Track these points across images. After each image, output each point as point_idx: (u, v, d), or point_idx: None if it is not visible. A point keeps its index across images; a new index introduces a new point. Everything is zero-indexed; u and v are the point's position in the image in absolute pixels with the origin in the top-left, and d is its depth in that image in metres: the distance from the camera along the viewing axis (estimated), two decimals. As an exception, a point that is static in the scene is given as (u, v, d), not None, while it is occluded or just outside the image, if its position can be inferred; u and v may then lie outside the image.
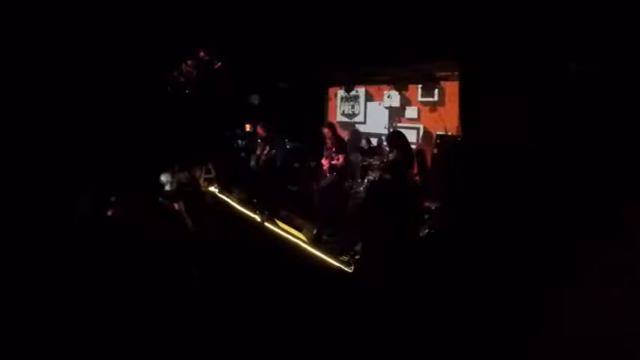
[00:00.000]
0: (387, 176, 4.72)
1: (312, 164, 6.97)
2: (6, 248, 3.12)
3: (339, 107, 8.59)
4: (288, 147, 7.59)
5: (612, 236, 2.48)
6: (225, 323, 2.84)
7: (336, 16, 4.29)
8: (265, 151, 6.80)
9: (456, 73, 5.34)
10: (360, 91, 7.99)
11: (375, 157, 6.01)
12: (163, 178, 4.72)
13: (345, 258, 4.04)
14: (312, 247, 4.34)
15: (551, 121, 3.04)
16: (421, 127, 6.90)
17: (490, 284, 2.78)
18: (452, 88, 6.06)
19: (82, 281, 3.01)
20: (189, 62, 5.99)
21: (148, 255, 3.30)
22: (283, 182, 6.93)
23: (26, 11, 3.60)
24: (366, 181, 5.72)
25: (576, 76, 2.91)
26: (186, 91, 6.26)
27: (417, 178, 5.21)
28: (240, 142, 7.93)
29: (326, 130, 6.20)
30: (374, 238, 3.69)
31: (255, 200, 5.59)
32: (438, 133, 6.14)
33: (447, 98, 6.40)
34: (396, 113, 7.29)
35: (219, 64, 6.25)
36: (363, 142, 7.00)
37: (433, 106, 6.66)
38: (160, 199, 4.48)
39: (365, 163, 5.97)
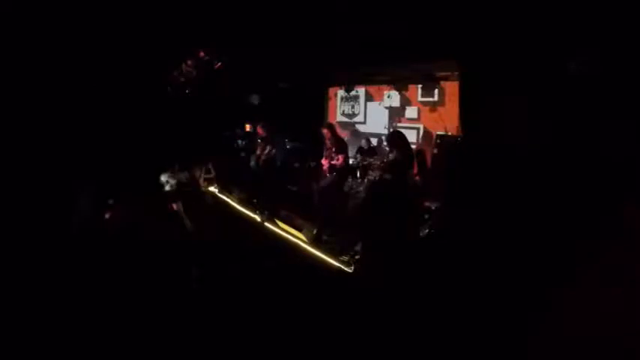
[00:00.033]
0: (387, 176, 4.71)
1: (312, 164, 6.98)
2: (6, 248, 3.12)
3: (339, 107, 8.59)
4: (288, 147, 7.60)
5: (612, 236, 2.48)
6: (225, 323, 2.84)
7: (336, 16, 4.29)
8: (265, 151, 6.80)
9: (456, 73, 5.35)
10: (360, 91, 8.00)
11: (375, 157, 6.02)
12: (163, 178, 4.72)
13: (345, 258, 4.04)
14: (312, 247, 4.34)
15: (551, 121, 3.04)
16: (421, 127, 6.91)
17: (490, 284, 2.78)
18: (452, 88, 6.07)
19: (82, 281, 3.00)
20: (189, 62, 5.99)
21: (148, 255, 3.30)
22: (283, 182, 6.93)
23: (26, 11, 3.60)
24: (366, 181, 5.72)
25: (576, 76, 2.91)
26: (186, 91, 6.26)
27: (417, 178, 5.21)
28: (240, 142, 7.93)
29: (325, 131, 6.20)
30: (374, 238, 3.69)
31: (255, 200, 5.59)
32: (438, 133, 6.15)
33: (447, 98, 6.42)
34: (396, 113, 7.30)
35: (219, 64, 6.25)
36: (363, 142, 7.01)
37: (433, 106, 6.67)
38: (160, 199, 4.48)
39: (365, 163, 5.97)
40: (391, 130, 6.94)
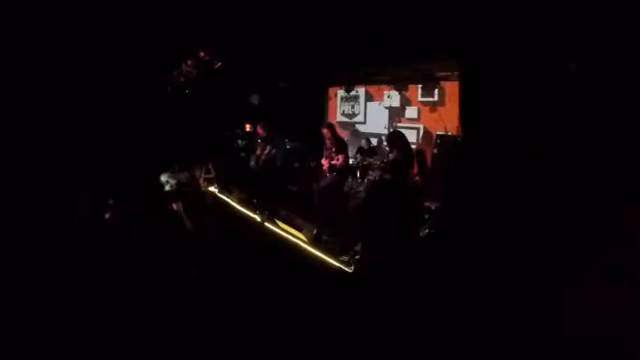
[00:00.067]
0: (387, 176, 4.71)
1: (312, 164, 6.97)
2: (6, 248, 3.12)
3: (339, 107, 8.59)
4: (288, 147, 7.60)
5: (612, 236, 2.48)
6: (225, 323, 2.84)
7: (336, 16, 4.29)
8: (265, 151, 6.80)
9: (456, 73, 5.35)
10: (360, 91, 8.00)
11: (375, 157, 6.02)
12: (163, 178, 4.71)
13: (345, 258, 4.04)
14: (312, 247, 4.34)
15: (551, 121, 3.04)
16: (421, 127, 6.91)
17: (490, 284, 2.78)
18: (452, 88, 6.07)
19: (82, 281, 3.00)
20: (189, 62, 5.99)
21: (148, 255, 3.30)
22: (283, 182, 6.93)
23: (26, 11, 3.60)
24: (366, 181, 5.72)
25: (576, 76, 2.91)
26: (186, 91, 6.26)
27: (417, 178, 5.21)
28: (240, 142, 7.93)
29: (325, 131, 6.20)
30: (374, 238, 3.69)
31: (255, 200, 5.59)
32: (438, 133, 6.15)
33: (447, 98, 6.42)
34: (396, 113, 7.30)
35: (219, 64, 6.25)
36: (363, 142, 7.01)
37: (433, 106, 6.67)
38: (160, 199, 4.48)
39: (365, 163, 5.97)
40: (391, 130, 6.94)
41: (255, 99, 8.13)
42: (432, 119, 6.68)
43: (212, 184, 6.28)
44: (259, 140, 7.04)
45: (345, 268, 3.93)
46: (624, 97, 2.74)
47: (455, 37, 3.71)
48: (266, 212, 5.13)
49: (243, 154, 7.67)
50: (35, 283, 2.93)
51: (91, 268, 3.15)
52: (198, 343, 2.66)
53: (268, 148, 6.80)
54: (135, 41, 4.36)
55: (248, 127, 8.04)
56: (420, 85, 6.80)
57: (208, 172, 6.39)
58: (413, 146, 5.76)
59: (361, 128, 8.11)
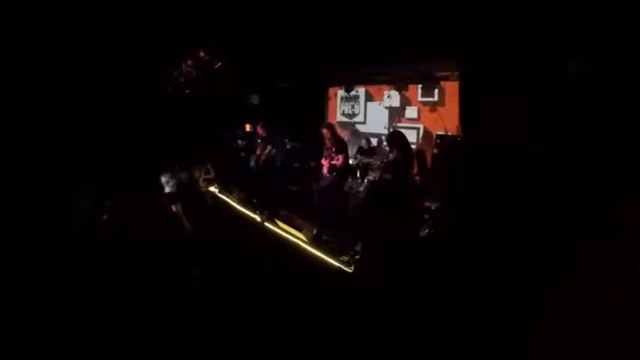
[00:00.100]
0: (387, 176, 4.71)
1: (312, 164, 6.97)
2: (6, 248, 3.12)
3: (339, 107, 8.60)
4: (288, 147, 7.59)
5: (612, 236, 2.48)
6: (225, 323, 2.84)
7: (336, 16, 4.29)
8: (265, 151, 6.80)
9: (456, 73, 5.35)
10: (360, 91, 8.01)
11: (375, 157, 6.02)
12: (163, 178, 4.72)
13: (345, 258, 4.04)
14: (312, 247, 4.34)
15: (551, 121, 3.04)
16: (421, 127, 6.91)
17: (490, 284, 2.78)
18: (452, 88, 6.08)
19: (82, 281, 3.00)
20: (189, 62, 5.99)
21: (148, 255, 3.30)
22: (283, 182, 6.93)
23: (26, 11, 3.60)
24: (366, 181, 5.73)
25: (576, 76, 2.91)
26: (186, 91, 6.26)
27: (417, 178, 5.21)
28: (240, 142, 7.93)
29: (325, 131, 6.20)
30: (374, 238, 3.69)
31: (255, 200, 5.59)
32: (438, 133, 6.16)
33: (447, 98, 6.42)
34: (396, 113, 7.31)
35: (219, 64, 6.25)
36: (363, 142, 7.02)
37: (433, 106, 6.68)
38: (160, 199, 4.48)
39: (365, 163, 5.97)
40: (391, 130, 6.94)
41: (255, 99, 8.13)
42: (432, 119, 6.68)
43: (212, 184, 6.28)
44: (259, 140, 7.04)
45: (345, 268, 3.93)
46: (624, 97, 2.74)
47: (455, 37, 3.71)
48: (266, 212, 5.13)
49: (243, 154, 7.67)
50: (35, 282, 2.93)
51: (91, 268, 3.15)
52: (198, 343, 2.66)
53: (268, 148, 6.80)
54: (135, 41, 4.36)
55: (248, 127, 8.05)
56: (420, 85, 6.81)
57: (208, 172, 6.39)
58: (413, 146, 5.76)
59: (361, 128, 8.11)
